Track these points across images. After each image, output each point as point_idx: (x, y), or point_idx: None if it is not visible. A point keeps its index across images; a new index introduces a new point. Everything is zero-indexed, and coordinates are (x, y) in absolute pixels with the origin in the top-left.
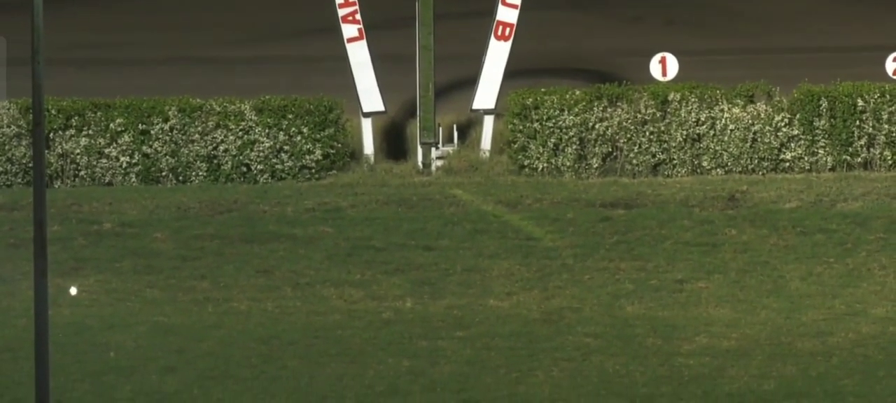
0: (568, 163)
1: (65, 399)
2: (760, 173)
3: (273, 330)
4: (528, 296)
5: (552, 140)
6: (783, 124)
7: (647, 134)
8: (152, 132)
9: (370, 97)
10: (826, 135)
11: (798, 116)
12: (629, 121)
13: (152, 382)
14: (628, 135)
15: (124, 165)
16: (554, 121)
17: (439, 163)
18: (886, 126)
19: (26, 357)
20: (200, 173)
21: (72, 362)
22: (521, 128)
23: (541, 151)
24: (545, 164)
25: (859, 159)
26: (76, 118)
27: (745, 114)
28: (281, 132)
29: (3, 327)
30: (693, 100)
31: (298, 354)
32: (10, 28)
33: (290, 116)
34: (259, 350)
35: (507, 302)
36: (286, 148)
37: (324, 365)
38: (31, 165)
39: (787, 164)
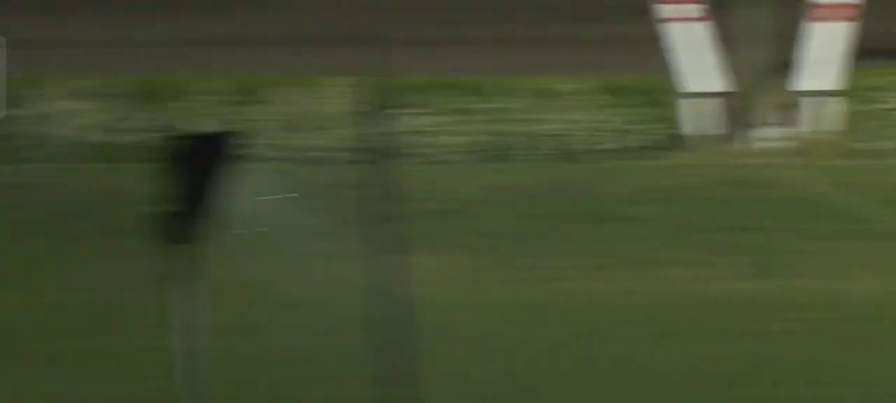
0: None
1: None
2: None
3: (612, 313)
4: (869, 280)
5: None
6: None
7: None
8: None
9: (697, 77)
10: None
11: None
12: None
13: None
14: None
15: (455, 145)
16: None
17: (769, 144)
18: None
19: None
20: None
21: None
22: (858, 109)
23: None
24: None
25: None
26: (418, 96)
27: None
28: (607, 111)
29: (362, 305)
30: None
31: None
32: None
33: (612, 97)
34: (603, 332)
35: (853, 285)
36: (609, 128)
37: (674, 349)
38: (368, 145)
39: None
